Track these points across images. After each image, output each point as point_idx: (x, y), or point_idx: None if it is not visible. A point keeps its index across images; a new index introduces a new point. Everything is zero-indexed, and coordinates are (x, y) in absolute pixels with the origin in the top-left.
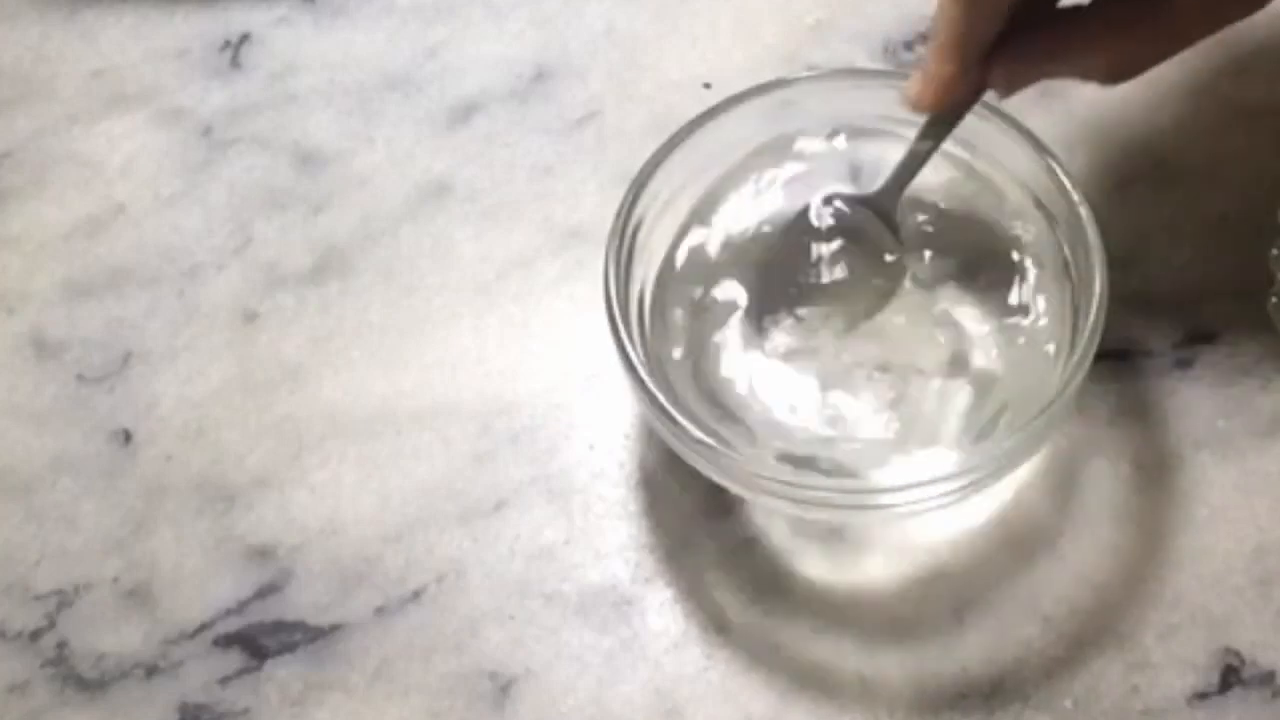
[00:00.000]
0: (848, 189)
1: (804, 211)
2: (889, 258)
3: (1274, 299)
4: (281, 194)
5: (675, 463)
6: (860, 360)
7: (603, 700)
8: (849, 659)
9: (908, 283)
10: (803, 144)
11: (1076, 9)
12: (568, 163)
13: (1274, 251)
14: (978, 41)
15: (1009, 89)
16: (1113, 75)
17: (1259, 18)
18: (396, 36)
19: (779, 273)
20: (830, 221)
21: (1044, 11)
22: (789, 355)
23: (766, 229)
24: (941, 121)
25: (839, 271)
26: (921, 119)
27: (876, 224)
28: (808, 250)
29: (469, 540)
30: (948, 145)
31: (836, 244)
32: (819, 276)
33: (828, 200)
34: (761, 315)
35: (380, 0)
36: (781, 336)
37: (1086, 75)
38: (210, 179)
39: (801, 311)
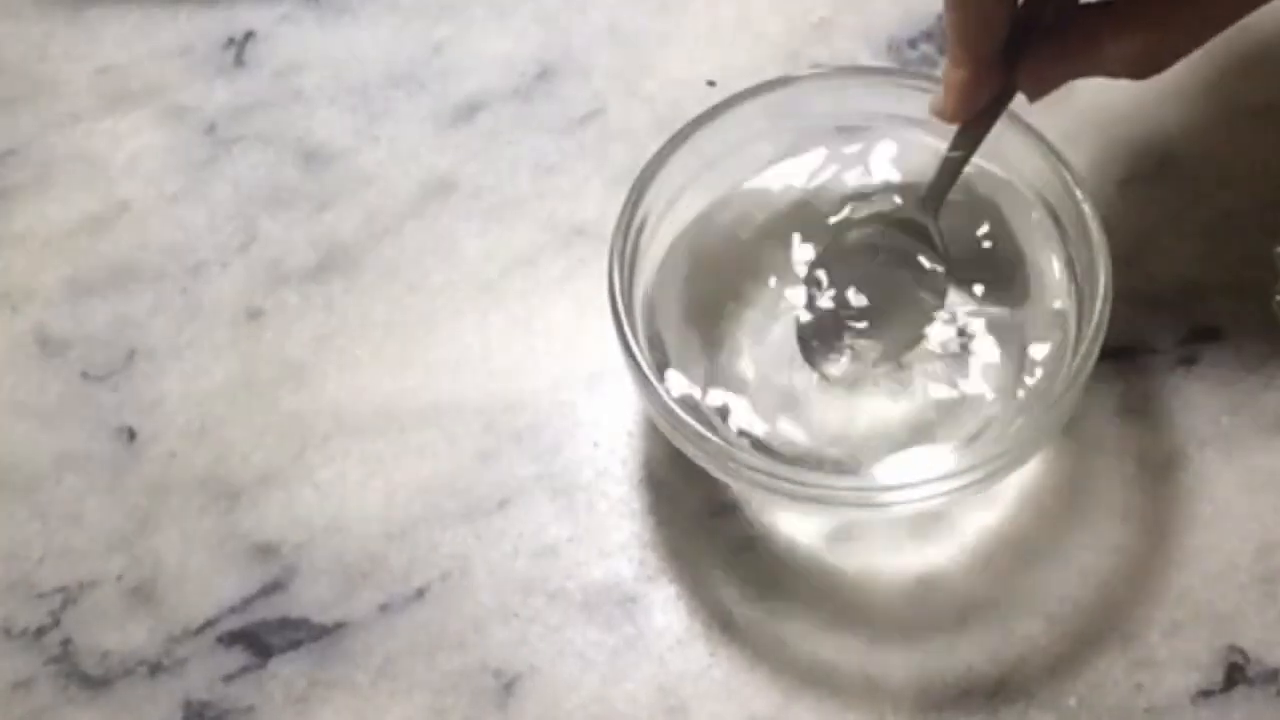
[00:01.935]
0: (871, 192)
1: (841, 231)
2: (931, 273)
3: (1278, 296)
4: (286, 191)
5: (679, 460)
6: (866, 359)
7: (607, 698)
8: (853, 656)
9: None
10: (806, 142)
11: (1100, 5)
12: (571, 160)
13: (1279, 248)
14: (987, 42)
15: (1038, 92)
16: (1142, 69)
17: (1263, 15)
18: (400, 34)
19: (822, 295)
20: (871, 241)
21: (1067, 11)
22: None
23: (774, 228)
24: (971, 130)
25: (884, 294)
26: (946, 127)
27: (915, 240)
28: (849, 272)
29: (473, 538)
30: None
31: (879, 264)
32: (865, 300)
33: (864, 219)
34: (811, 344)
35: None
36: (831, 367)
37: (1115, 72)
38: (214, 176)
39: (850, 341)
